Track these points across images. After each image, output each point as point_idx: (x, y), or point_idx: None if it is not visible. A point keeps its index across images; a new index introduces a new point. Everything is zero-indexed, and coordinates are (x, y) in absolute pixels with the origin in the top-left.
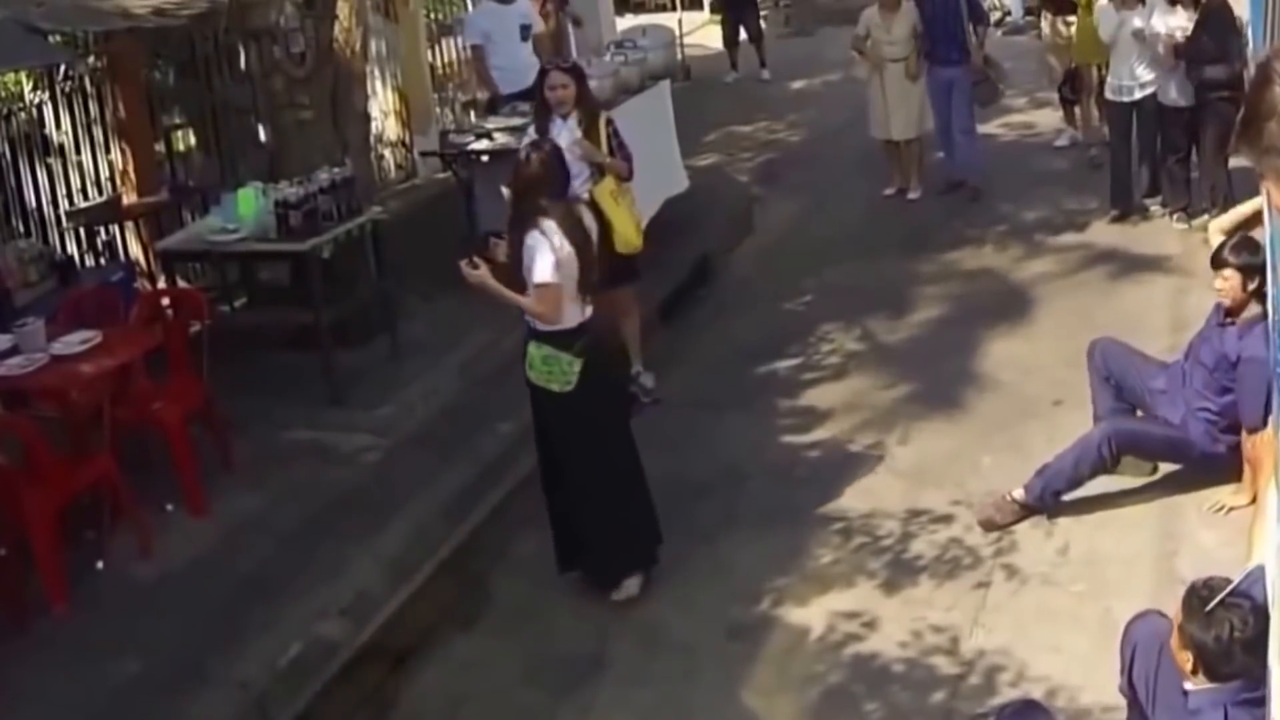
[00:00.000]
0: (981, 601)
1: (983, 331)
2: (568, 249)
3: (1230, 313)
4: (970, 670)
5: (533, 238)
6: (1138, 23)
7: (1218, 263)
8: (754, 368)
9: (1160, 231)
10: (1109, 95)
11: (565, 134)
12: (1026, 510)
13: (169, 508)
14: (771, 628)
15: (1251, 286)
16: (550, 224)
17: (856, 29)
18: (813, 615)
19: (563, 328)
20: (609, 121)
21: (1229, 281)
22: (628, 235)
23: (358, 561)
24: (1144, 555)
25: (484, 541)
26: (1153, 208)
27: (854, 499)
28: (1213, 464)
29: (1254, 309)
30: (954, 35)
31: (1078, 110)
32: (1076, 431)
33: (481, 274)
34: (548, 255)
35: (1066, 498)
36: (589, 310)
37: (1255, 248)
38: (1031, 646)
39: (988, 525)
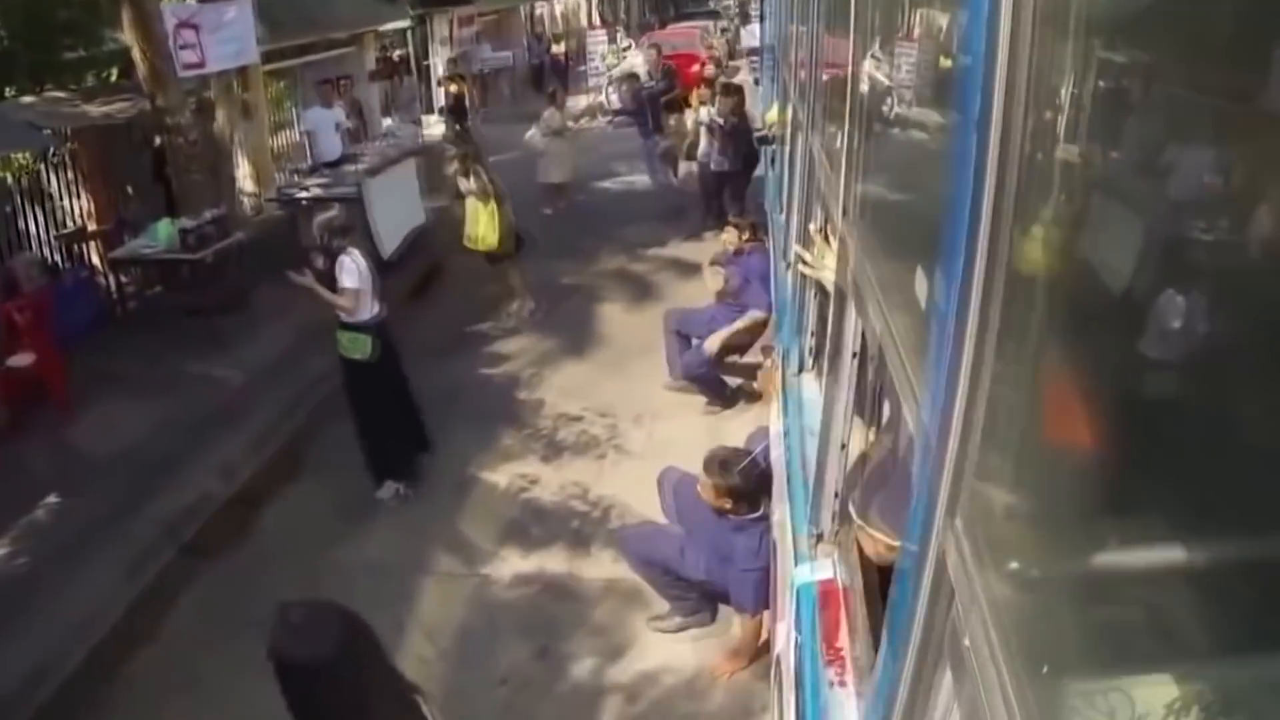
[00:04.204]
0: (601, 468)
1: (604, 304)
2: (367, 266)
3: (736, 252)
4: (594, 509)
5: (344, 259)
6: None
7: (725, 226)
8: (465, 328)
9: (707, 249)
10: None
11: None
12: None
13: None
14: (478, 483)
15: (744, 237)
16: (356, 252)
17: (544, 120)
18: (501, 476)
19: (361, 319)
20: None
21: (729, 235)
22: (483, 237)
23: (230, 443)
24: (696, 440)
25: (307, 429)
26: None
27: (525, 406)
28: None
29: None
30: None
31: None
32: (660, 367)
33: (307, 279)
34: (354, 270)
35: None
36: (378, 308)
37: (746, 215)
38: (630, 495)
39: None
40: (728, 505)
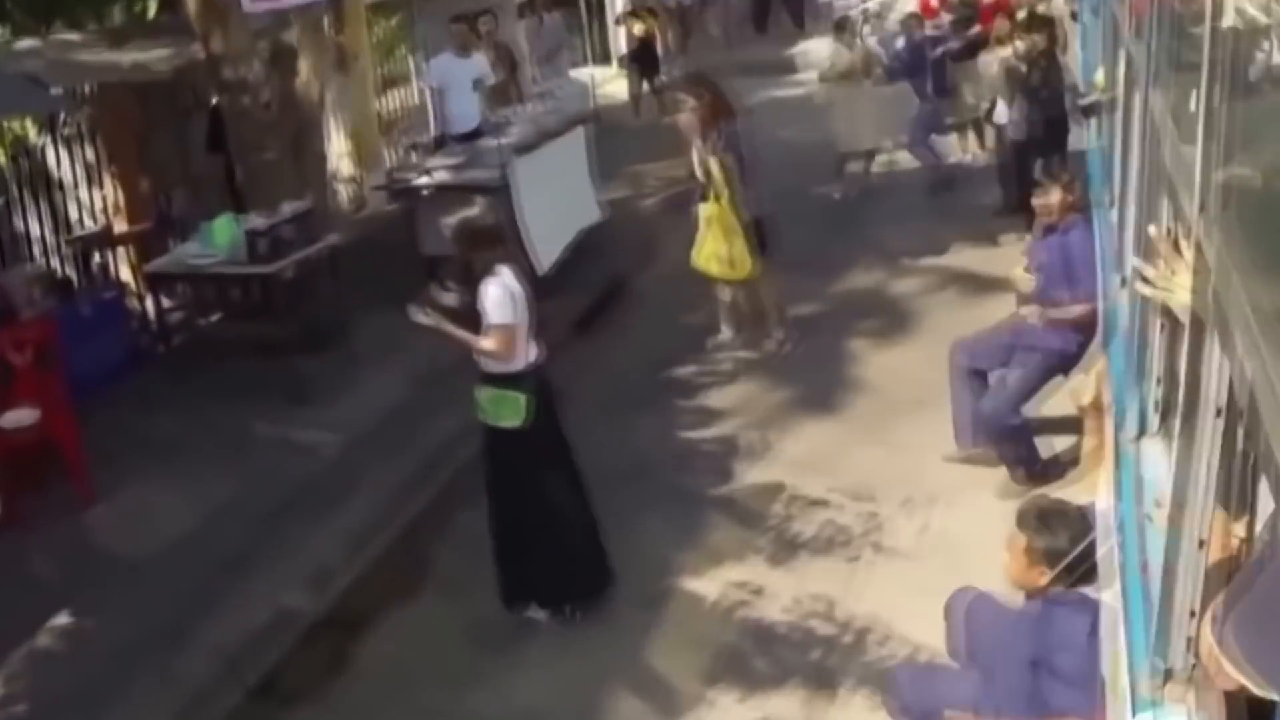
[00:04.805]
0: (853, 574)
1: (856, 339)
2: (523, 293)
3: (1050, 227)
4: (844, 632)
5: (490, 282)
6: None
7: (1033, 182)
8: (658, 373)
9: (1005, 256)
10: None
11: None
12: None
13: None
14: (674, 596)
15: (1066, 200)
16: (507, 270)
17: (829, 58)
18: (709, 585)
19: (512, 369)
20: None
21: (1048, 198)
22: (736, 260)
23: (318, 540)
24: (993, 534)
25: (428, 521)
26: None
27: (744, 485)
28: (1070, 363)
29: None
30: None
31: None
32: (937, 427)
33: (436, 319)
34: (505, 298)
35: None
36: (535, 352)
37: (1068, 172)
38: (897, 612)
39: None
40: (1043, 579)
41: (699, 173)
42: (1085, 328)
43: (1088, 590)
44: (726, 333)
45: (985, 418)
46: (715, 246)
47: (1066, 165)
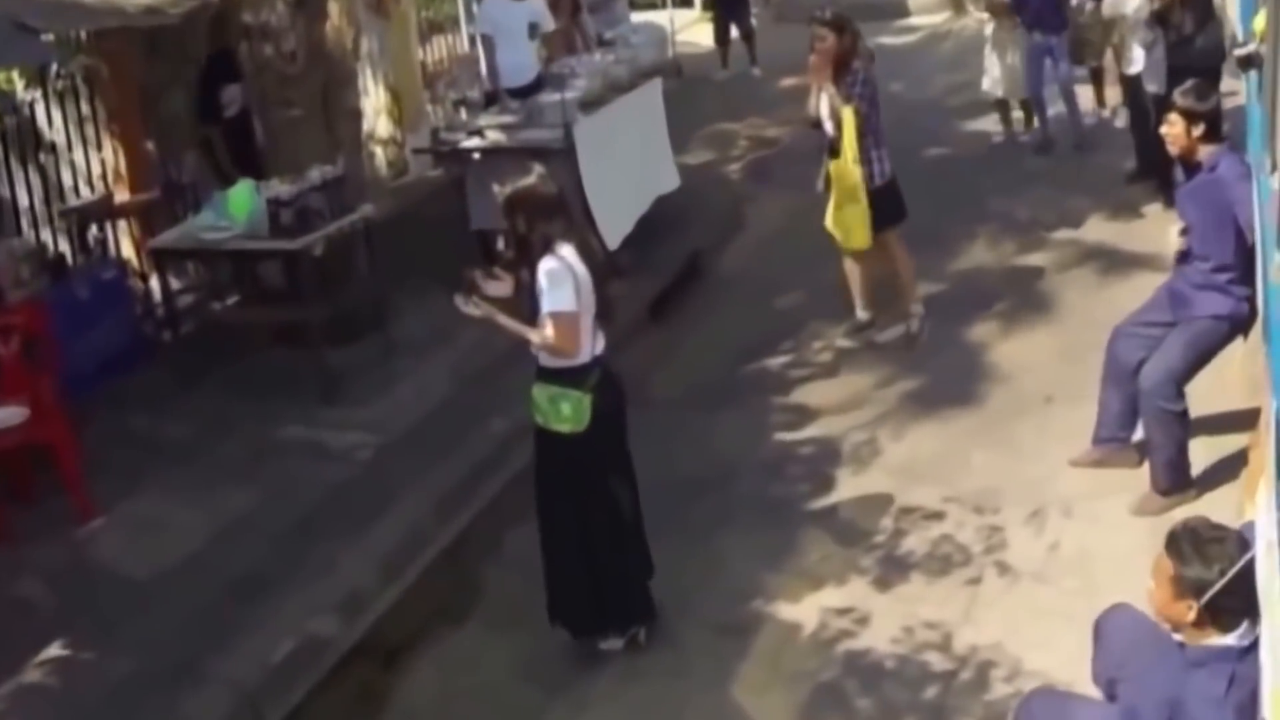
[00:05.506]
0: (973, 598)
1: (975, 325)
2: (587, 275)
3: (1185, 161)
4: (963, 666)
5: (550, 263)
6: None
7: (1168, 107)
8: (745, 365)
9: (1149, 229)
10: None
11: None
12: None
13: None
14: (763, 624)
15: (1196, 132)
16: (568, 249)
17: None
18: (804, 612)
19: (576, 363)
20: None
21: (1175, 127)
22: (850, 230)
23: (349, 559)
24: (1133, 552)
25: (475, 538)
26: None
27: (845, 496)
28: (1241, 325)
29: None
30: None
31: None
32: (1068, 428)
33: (486, 310)
34: (568, 282)
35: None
36: (602, 343)
37: (1205, 95)
38: (1023, 643)
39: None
40: (1188, 615)
41: (828, 124)
42: (1253, 280)
43: (1230, 639)
44: (862, 315)
45: (1143, 395)
46: (832, 209)
47: (1201, 91)
